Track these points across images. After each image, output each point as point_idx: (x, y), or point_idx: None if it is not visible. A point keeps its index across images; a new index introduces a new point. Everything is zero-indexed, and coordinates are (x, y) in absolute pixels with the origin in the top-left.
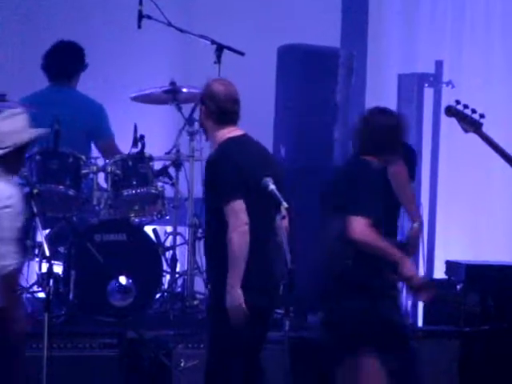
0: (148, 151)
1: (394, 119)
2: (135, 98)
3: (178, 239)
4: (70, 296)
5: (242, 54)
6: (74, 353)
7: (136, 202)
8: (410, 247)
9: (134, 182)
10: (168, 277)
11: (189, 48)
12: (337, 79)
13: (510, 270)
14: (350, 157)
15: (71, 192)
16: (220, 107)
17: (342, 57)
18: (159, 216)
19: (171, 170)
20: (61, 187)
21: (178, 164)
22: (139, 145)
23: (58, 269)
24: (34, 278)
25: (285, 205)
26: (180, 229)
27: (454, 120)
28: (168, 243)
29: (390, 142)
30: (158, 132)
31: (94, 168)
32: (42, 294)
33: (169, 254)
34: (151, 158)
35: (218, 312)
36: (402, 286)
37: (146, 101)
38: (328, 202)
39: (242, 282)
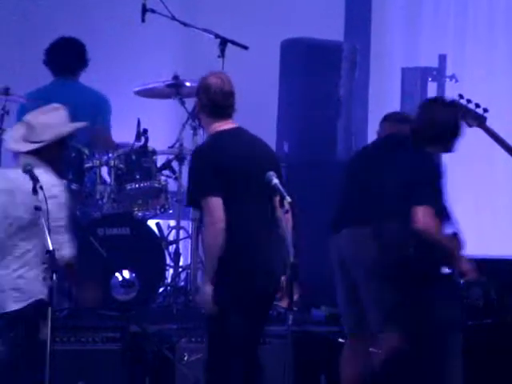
0: (151, 145)
1: (454, 110)
2: (138, 92)
3: (182, 233)
4: (73, 290)
5: (245, 47)
6: (77, 347)
7: (139, 196)
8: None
9: (138, 176)
10: (171, 271)
11: (192, 42)
12: (340, 73)
13: None
14: (403, 147)
15: (74, 186)
16: (212, 100)
17: (345, 51)
18: (162, 210)
19: (174, 164)
20: (64, 181)
21: (181, 158)
22: (142, 139)
23: None
24: None
25: (288, 199)
26: (183, 223)
27: None
28: (171, 237)
29: (451, 134)
30: (161, 126)
31: (98, 162)
32: None
33: (172, 248)
34: (154, 152)
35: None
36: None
37: (149, 95)
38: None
39: (232, 275)
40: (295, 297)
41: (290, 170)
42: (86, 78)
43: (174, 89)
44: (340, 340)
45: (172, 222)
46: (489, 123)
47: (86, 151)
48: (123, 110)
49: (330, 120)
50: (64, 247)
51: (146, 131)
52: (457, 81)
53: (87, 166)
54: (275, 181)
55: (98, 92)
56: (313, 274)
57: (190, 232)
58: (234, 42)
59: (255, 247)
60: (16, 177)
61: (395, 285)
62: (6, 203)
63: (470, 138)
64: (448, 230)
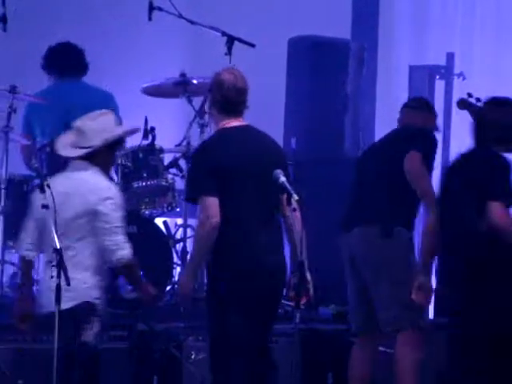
0: (158, 143)
1: None
2: (146, 90)
3: (189, 231)
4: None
5: (252, 45)
6: None
7: (146, 194)
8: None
9: (145, 174)
10: (178, 269)
11: (199, 40)
12: (347, 71)
13: None
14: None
15: None
16: (224, 96)
17: (352, 49)
18: (169, 208)
19: (182, 162)
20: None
21: (188, 156)
22: (150, 137)
23: None
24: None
25: (295, 197)
26: (190, 221)
27: (465, 111)
28: (178, 235)
29: None
30: (168, 124)
31: None
32: None
33: (179, 247)
34: (162, 151)
35: (209, 304)
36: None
37: (156, 94)
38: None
39: (229, 273)
40: (304, 299)
41: (298, 167)
42: (94, 77)
43: (182, 86)
44: (350, 339)
45: (179, 220)
46: None
47: None
48: (131, 108)
49: (338, 117)
50: (122, 247)
51: (153, 129)
52: (464, 78)
53: None
54: (282, 179)
55: (103, 90)
56: (321, 271)
57: None
58: (240, 40)
59: (252, 246)
60: (70, 181)
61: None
62: (60, 206)
63: None
64: None
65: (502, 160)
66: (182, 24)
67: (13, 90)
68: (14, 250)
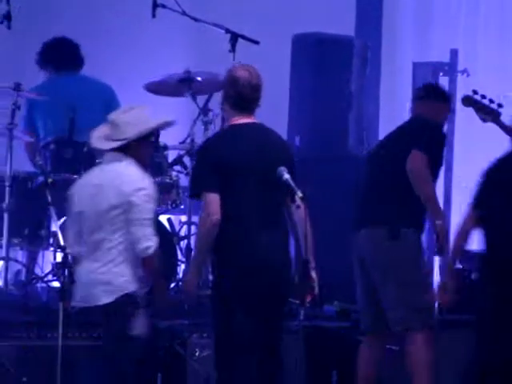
0: (162, 141)
1: None
2: (149, 87)
3: (193, 228)
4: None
5: (256, 42)
6: (89, 342)
7: None
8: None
9: (149, 172)
10: (183, 266)
11: (203, 37)
12: (351, 69)
13: None
14: None
15: None
16: (239, 92)
17: (356, 46)
18: (174, 205)
19: (186, 160)
20: (75, 176)
21: (192, 153)
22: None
23: None
24: (48, 268)
25: (299, 194)
26: (195, 218)
27: (469, 108)
28: (183, 233)
29: None
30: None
31: None
32: (56, 284)
33: (183, 244)
34: (166, 148)
35: (213, 301)
36: None
37: (160, 91)
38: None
39: (231, 270)
40: (309, 297)
41: (301, 164)
42: (98, 74)
43: (186, 83)
44: (357, 337)
45: (183, 218)
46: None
47: None
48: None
49: (342, 114)
50: (148, 239)
51: None
52: (468, 75)
53: (99, 161)
54: (286, 176)
55: (101, 82)
56: (325, 269)
57: None
58: (244, 37)
59: (253, 243)
60: (104, 173)
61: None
62: (94, 198)
63: (482, 132)
64: None
65: None
66: (185, 21)
67: (17, 87)
68: (18, 248)
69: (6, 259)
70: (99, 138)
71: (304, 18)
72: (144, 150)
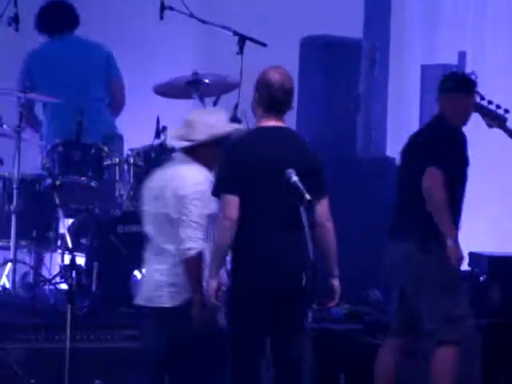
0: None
1: None
2: (157, 89)
3: None
4: (93, 288)
5: (264, 45)
6: (97, 344)
7: None
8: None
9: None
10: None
11: (211, 39)
12: (359, 70)
13: None
14: None
15: (93, 183)
16: (272, 95)
17: (364, 48)
18: None
19: None
20: (83, 179)
21: None
22: (162, 136)
23: (81, 260)
24: (56, 270)
25: (307, 197)
26: None
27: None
28: None
29: None
30: (180, 123)
31: (117, 160)
32: (64, 286)
33: None
34: (173, 150)
35: (227, 302)
36: None
37: (168, 94)
38: None
39: (248, 270)
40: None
41: None
42: None
43: (194, 85)
44: (372, 341)
45: None
46: (509, 123)
47: (106, 149)
48: (142, 107)
49: (350, 117)
50: (190, 241)
51: (165, 128)
52: (476, 77)
53: (106, 163)
54: (294, 178)
55: (99, 43)
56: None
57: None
58: (252, 39)
59: (268, 246)
60: (168, 174)
61: None
62: (157, 199)
63: (489, 135)
64: None
65: None
66: (193, 23)
67: (25, 89)
68: (26, 250)
69: (14, 261)
70: (175, 136)
71: (312, 21)
72: (212, 153)
